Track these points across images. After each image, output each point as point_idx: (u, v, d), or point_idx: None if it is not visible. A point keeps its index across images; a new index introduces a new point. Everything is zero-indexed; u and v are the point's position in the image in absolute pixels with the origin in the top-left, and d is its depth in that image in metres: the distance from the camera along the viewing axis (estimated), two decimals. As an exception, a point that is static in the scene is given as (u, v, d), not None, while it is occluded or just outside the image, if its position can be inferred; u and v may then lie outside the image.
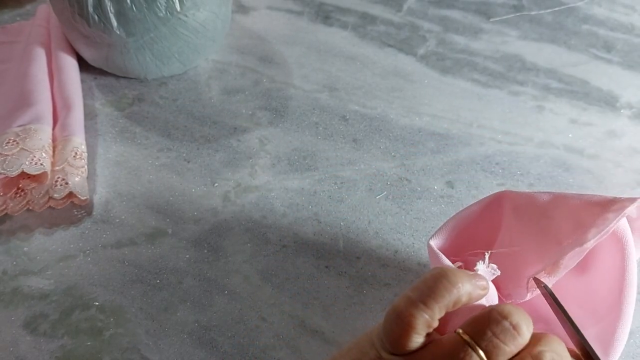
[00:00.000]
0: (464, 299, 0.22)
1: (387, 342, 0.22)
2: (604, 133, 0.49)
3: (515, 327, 0.20)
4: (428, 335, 0.21)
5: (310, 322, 0.35)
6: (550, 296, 0.25)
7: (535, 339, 0.21)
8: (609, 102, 0.52)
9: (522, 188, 0.44)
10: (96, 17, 0.46)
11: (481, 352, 0.20)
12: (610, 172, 0.45)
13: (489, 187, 0.44)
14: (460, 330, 0.21)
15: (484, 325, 0.20)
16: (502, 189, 0.43)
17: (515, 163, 0.46)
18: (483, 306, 0.23)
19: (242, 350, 0.34)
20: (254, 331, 0.35)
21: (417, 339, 0.21)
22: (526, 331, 0.21)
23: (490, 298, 0.25)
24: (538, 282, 0.26)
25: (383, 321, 0.22)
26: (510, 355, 0.20)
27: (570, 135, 0.48)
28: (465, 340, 0.20)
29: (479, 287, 0.23)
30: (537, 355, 0.20)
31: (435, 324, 0.21)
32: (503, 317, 0.20)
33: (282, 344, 0.34)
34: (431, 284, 0.21)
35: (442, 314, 0.21)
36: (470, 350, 0.20)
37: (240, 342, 0.34)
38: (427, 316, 0.21)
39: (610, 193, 0.44)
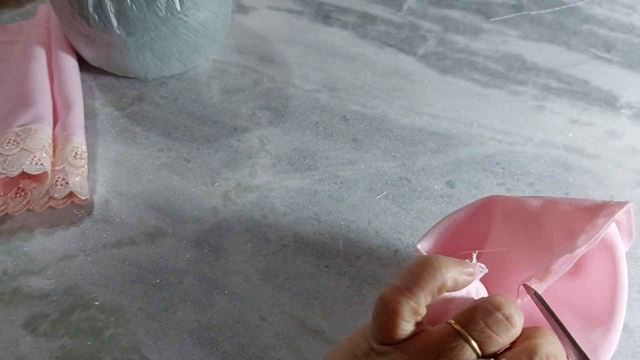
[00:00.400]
0: (450, 284, 0.22)
1: (377, 332, 0.22)
2: (604, 133, 0.49)
3: (508, 318, 0.20)
4: (418, 324, 0.21)
5: (311, 322, 0.35)
6: (540, 302, 0.25)
7: (530, 332, 0.21)
8: (609, 102, 0.52)
9: (522, 188, 0.44)
10: (96, 17, 0.46)
11: (474, 343, 0.20)
12: (610, 172, 0.45)
13: (489, 187, 0.44)
14: (452, 321, 0.21)
15: (477, 316, 0.21)
16: (503, 188, 0.44)
17: (516, 163, 0.46)
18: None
19: (242, 350, 0.34)
20: (254, 331, 0.35)
21: (406, 327, 0.21)
22: (518, 322, 0.21)
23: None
24: (528, 288, 0.26)
25: (372, 312, 0.22)
26: (502, 346, 0.20)
27: (570, 135, 0.49)
28: (457, 331, 0.20)
29: (465, 272, 0.23)
30: (533, 347, 0.20)
31: (423, 310, 0.21)
32: (495, 308, 0.21)
33: (282, 344, 0.34)
34: (415, 271, 0.22)
35: (428, 301, 0.21)
36: (462, 341, 0.20)
37: (240, 342, 0.34)
38: (413, 303, 0.21)
39: (610, 193, 0.44)
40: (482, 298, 0.22)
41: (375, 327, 0.22)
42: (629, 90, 0.53)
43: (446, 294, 0.23)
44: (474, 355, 0.20)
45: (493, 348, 0.20)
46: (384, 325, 0.21)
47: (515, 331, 0.20)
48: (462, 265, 0.23)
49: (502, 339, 0.20)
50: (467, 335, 0.20)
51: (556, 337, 0.21)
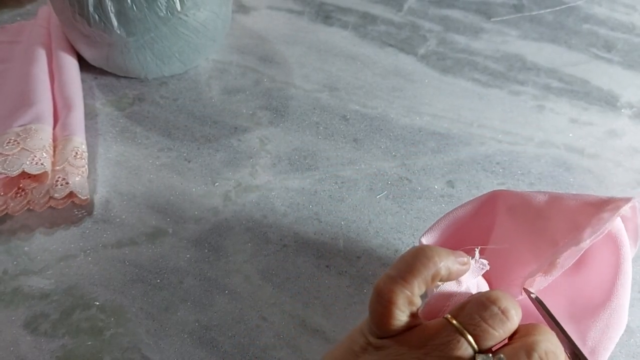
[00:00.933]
0: (443, 273, 0.22)
1: (373, 324, 0.22)
2: (605, 132, 0.49)
3: (504, 312, 0.20)
4: (413, 316, 0.22)
5: (311, 322, 0.35)
6: (540, 306, 0.25)
7: (528, 328, 0.21)
8: (609, 101, 0.52)
9: (523, 187, 0.44)
10: (97, 17, 0.46)
11: (470, 337, 0.20)
12: (611, 172, 0.45)
13: (490, 187, 0.44)
14: (449, 315, 0.21)
15: (472, 310, 0.21)
16: (503, 188, 0.44)
17: (516, 163, 0.46)
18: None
19: (242, 350, 0.34)
20: (254, 331, 0.35)
21: (401, 317, 0.21)
22: (515, 316, 0.21)
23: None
24: (527, 292, 0.26)
25: (368, 304, 0.22)
26: (499, 340, 0.20)
27: (570, 135, 0.48)
28: (453, 325, 0.20)
29: (459, 262, 0.23)
30: (532, 344, 0.20)
31: (417, 301, 0.22)
32: (491, 302, 0.21)
33: (282, 344, 0.34)
34: (408, 260, 0.22)
35: (423, 290, 0.22)
36: (458, 334, 0.20)
37: (240, 342, 0.34)
38: (407, 292, 0.21)
39: (611, 192, 0.44)
40: (479, 293, 0.22)
41: (371, 319, 0.22)
42: (629, 90, 0.53)
43: (445, 290, 0.23)
44: (470, 350, 0.20)
45: (489, 342, 0.20)
46: (379, 316, 0.21)
47: (512, 325, 0.20)
48: (456, 255, 0.23)
49: (498, 333, 0.20)
50: (462, 329, 0.20)
51: (553, 333, 0.21)
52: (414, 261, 0.22)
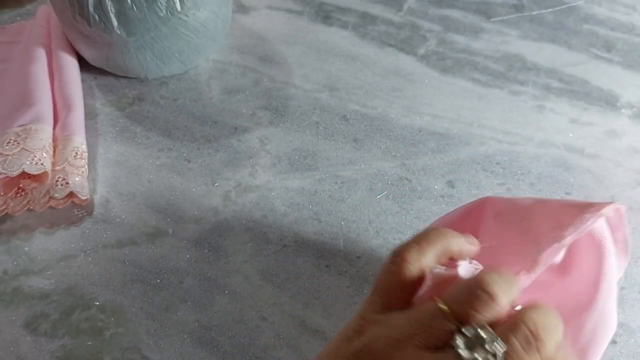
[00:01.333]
0: (454, 249, 0.23)
1: (382, 290, 0.23)
2: (605, 133, 0.49)
3: (490, 295, 0.20)
4: (418, 282, 0.22)
5: (311, 322, 0.35)
6: None
7: (520, 311, 0.21)
8: (609, 101, 0.52)
9: (523, 187, 0.44)
10: (97, 17, 0.46)
11: (457, 323, 0.20)
12: (611, 172, 0.45)
13: (490, 187, 0.44)
14: (438, 300, 0.21)
15: (460, 293, 0.21)
16: (503, 188, 0.44)
17: (516, 163, 0.46)
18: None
19: (242, 350, 0.34)
20: (254, 331, 0.35)
21: (411, 274, 0.22)
22: (502, 297, 0.20)
23: None
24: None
25: (378, 275, 0.23)
26: (485, 322, 0.20)
27: (570, 135, 0.49)
28: (439, 308, 0.21)
29: (468, 242, 0.24)
30: (521, 316, 0.20)
31: (427, 263, 0.23)
32: (478, 284, 0.21)
33: (282, 344, 0.34)
34: (424, 233, 0.24)
35: (434, 262, 0.23)
36: (443, 318, 0.20)
37: (240, 342, 0.34)
38: (420, 255, 0.22)
39: (611, 192, 0.44)
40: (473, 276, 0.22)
41: (380, 284, 0.23)
42: (629, 90, 0.53)
43: (442, 274, 0.23)
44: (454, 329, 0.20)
45: (475, 324, 0.20)
46: (392, 274, 0.22)
47: (499, 307, 0.20)
48: (465, 237, 0.24)
49: (483, 315, 0.20)
50: (449, 312, 0.20)
51: (549, 313, 0.21)
52: (429, 233, 0.23)
